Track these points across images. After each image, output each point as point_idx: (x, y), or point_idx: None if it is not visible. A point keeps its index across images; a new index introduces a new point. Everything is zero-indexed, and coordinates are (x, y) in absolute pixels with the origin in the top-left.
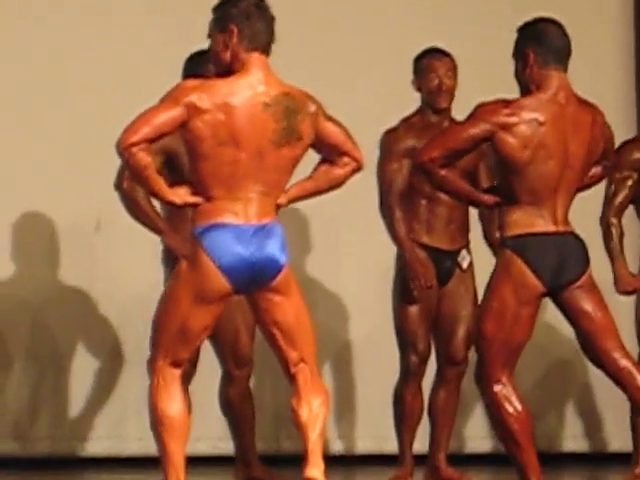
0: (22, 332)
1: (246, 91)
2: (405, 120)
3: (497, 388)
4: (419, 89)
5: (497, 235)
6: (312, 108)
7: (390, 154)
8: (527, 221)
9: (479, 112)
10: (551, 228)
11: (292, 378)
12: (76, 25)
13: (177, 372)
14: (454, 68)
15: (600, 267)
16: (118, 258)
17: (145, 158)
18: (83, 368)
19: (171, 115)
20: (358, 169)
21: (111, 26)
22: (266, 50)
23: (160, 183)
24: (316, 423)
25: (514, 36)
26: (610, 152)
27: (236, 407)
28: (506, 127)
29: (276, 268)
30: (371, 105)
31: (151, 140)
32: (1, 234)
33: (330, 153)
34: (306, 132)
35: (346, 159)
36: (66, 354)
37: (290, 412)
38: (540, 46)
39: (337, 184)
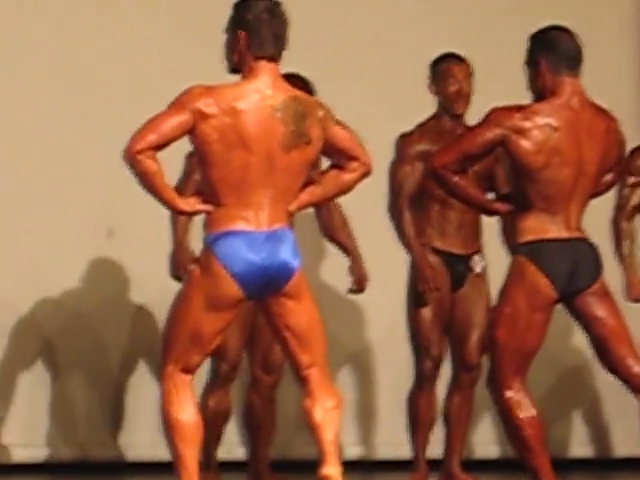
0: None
1: (253, 95)
2: (421, 125)
3: (509, 394)
4: (437, 93)
5: None
6: (321, 113)
7: (403, 156)
8: (541, 227)
9: (492, 116)
10: (564, 234)
11: (304, 381)
12: (85, 40)
13: (188, 378)
14: (471, 74)
15: (610, 273)
16: (131, 264)
17: (152, 165)
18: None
19: (178, 121)
20: (367, 174)
21: (122, 39)
22: (274, 58)
23: (169, 191)
24: (331, 425)
25: (525, 42)
26: (622, 159)
27: (257, 414)
28: (520, 131)
29: (289, 274)
30: (385, 109)
31: (158, 147)
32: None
33: (339, 158)
34: (315, 136)
35: (355, 164)
36: (77, 360)
37: (304, 414)
38: (552, 53)
39: (346, 189)
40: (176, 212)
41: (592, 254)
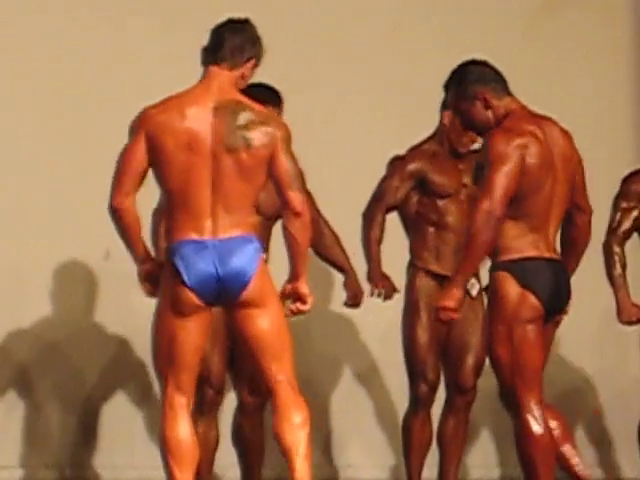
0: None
1: (198, 97)
2: (414, 148)
3: (527, 415)
4: (450, 123)
5: None
6: (278, 132)
7: (394, 172)
8: (523, 246)
9: (501, 148)
10: (546, 254)
11: (272, 394)
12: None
13: (184, 399)
14: None
15: (603, 295)
16: (128, 286)
17: (130, 219)
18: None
19: (137, 152)
20: (297, 215)
21: (123, 53)
22: (224, 62)
23: (139, 247)
24: (300, 445)
25: (524, 58)
26: (583, 178)
27: (246, 437)
28: (526, 150)
29: (242, 282)
30: (381, 126)
31: (137, 186)
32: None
33: (275, 187)
34: (260, 144)
35: (287, 212)
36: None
37: (273, 435)
38: (487, 83)
39: (299, 243)
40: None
41: (567, 276)
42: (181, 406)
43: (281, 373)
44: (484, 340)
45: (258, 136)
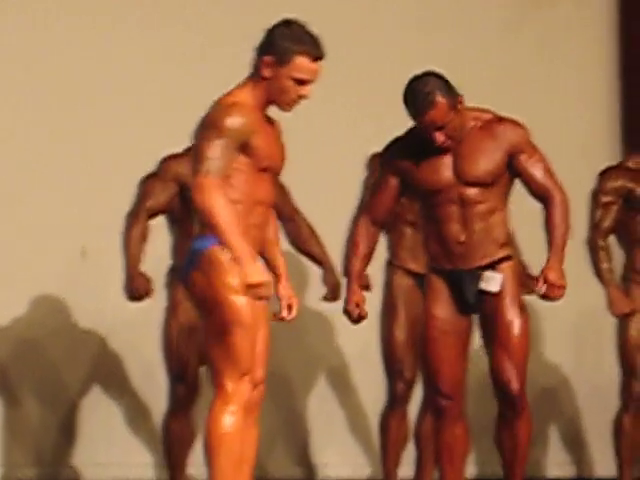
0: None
1: None
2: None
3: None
4: None
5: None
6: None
7: (374, 172)
8: None
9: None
10: None
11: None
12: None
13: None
14: None
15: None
16: (105, 284)
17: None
18: (72, 394)
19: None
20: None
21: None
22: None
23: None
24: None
25: (506, 56)
26: None
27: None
28: None
29: (185, 282)
30: (361, 124)
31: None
32: None
33: None
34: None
35: None
36: (54, 379)
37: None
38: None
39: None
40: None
41: None
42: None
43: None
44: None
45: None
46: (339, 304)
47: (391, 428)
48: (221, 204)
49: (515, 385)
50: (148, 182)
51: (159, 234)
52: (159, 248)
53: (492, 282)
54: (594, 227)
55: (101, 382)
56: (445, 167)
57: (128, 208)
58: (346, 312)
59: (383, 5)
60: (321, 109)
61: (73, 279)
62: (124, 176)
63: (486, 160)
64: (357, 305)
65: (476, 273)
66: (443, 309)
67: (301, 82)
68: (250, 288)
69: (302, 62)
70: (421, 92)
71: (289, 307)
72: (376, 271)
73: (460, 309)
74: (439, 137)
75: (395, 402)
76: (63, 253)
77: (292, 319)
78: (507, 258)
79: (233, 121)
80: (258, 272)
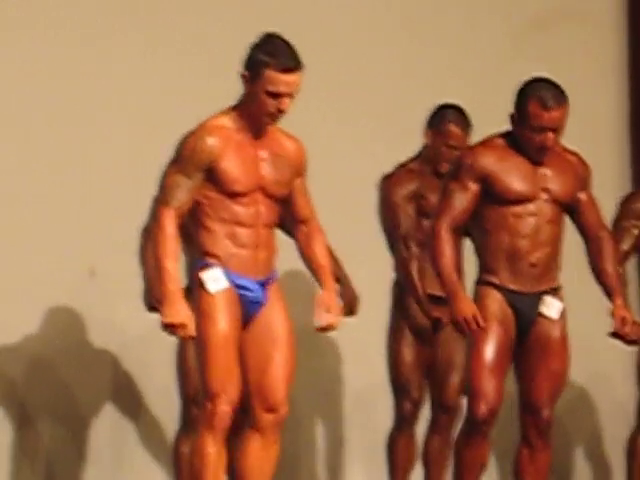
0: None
1: None
2: (403, 165)
3: None
4: (430, 142)
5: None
6: None
7: (390, 200)
8: None
9: None
10: None
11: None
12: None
13: None
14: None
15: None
16: (113, 304)
17: None
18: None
19: None
20: None
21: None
22: None
23: None
24: None
25: (512, 76)
26: None
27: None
28: None
29: None
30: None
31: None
32: None
33: None
34: None
35: None
36: (61, 400)
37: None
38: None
39: None
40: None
41: None
42: None
43: None
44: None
45: None
46: (346, 323)
47: (399, 448)
48: (164, 236)
49: (550, 413)
50: None
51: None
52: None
53: (552, 308)
54: None
55: (113, 401)
56: (537, 179)
57: (138, 228)
58: (459, 323)
59: (390, 24)
60: (331, 130)
61: (83, 298)
62: (132, 196)
63: (569, 183)
64: (474, 315)
65: (537, 297)
66: (500, 326)
67: (275, 95)
68: (165, 328)
69: (272, 75)
70: (556, 88)
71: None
72: (385, 293)
73: (510, 329)
74: (551, 138)
75: (403, 422)
76: (72, 272)
77: (330, 325)
78: (560, 287)
79: (194, 147)
80: (174, 313)
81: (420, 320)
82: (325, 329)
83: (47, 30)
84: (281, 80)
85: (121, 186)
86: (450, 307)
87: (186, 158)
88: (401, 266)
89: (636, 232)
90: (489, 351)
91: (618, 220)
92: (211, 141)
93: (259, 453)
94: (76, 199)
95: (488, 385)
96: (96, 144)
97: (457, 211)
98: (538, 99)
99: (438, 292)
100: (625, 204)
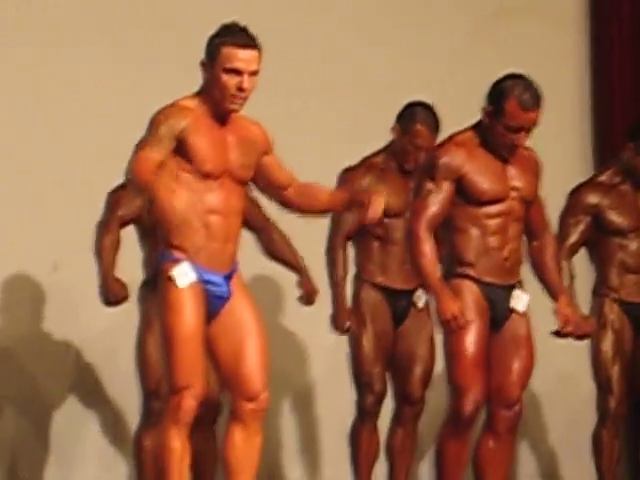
0: None
1: None
2: (365, 159)
3: None
4: (397, 139)
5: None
6: None
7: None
8: None
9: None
10: None
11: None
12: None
13: None
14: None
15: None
16: (76, 298)
17: None
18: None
19: None
20: None
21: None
22: None
23: None
24: None
25: (475, 64)
26: None
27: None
28: None
29: None
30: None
31: None
32: None
33: None
34: None
35: None
36: (27, 393)
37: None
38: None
39: None
40: None
41: None
42: None
43: None
44: (431, 351)
45: None
46: (306, 316)
47: (362, 442)
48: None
49: (520, 404)
50: (118, 192)
51: (130, 248)
52: (129, 263)
53: (520, 302)
54: (558, 247)
55: (76, 392)
56: (507, 178)
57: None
58: (446, 322)
59: (353, 12)
60: (296, 120)
61: (47, 291)
62: (95, 190)
63: (531, 181)
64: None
65: (509, 289)
66: (479, 319)
67: (233, 72)
68: None
69: (228, 51)
70: (534, 87)
71: None
72: (347, 286)
73: (486, 322)
74: (524, 139)
75: (365, 415)
76: (36, 266)
77: None
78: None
79: (167, 114)
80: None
81: (382, 313)
82: None
83: (35, 31)
84: (238, 56)
85: (84, 181)
86: (435, 306)
87: (157, 126)
88: (330, 261)
89: (582, 227)
90: (472, 346)
91: (566, 213)
92: (183, 113)
93: (244, 444)
94: (39, 193)
95: (474, 380)
96: (57, 139)
97: (434, 211)
98: (517, 99)
99: (400, 286)
100: (573, 197)
